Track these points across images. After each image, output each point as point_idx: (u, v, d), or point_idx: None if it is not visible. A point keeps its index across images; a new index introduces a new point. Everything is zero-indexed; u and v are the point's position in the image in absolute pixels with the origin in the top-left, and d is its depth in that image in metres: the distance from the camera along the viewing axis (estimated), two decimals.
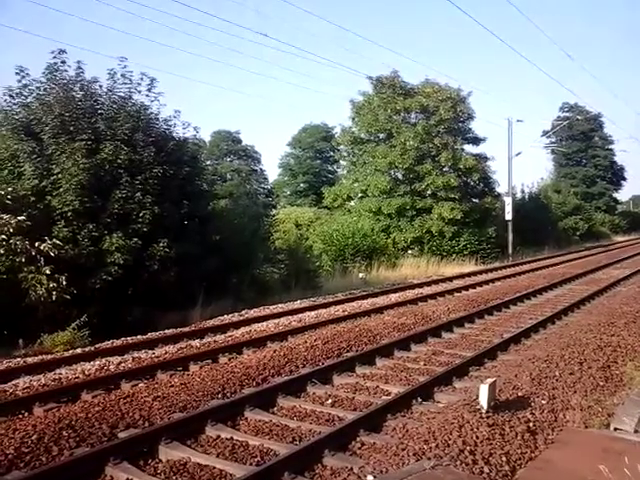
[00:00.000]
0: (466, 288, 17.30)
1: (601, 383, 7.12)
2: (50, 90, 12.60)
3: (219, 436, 5.65)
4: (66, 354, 9.24)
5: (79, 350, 9.53)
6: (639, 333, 9.96)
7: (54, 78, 12.62)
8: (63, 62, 12.67)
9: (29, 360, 8.85)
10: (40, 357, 9.11)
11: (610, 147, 57.67)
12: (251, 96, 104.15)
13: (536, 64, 29.92)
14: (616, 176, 59.69)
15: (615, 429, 5.58)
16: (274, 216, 20.96)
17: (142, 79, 13.42)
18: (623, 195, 72.55)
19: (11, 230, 10.29)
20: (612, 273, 20.97)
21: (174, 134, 14.34)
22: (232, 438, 5.60)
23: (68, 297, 10.57)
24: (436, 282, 19.32)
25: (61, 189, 11.27)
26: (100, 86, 13.14)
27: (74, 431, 5.57)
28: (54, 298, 10.36)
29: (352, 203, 30.06)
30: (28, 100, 12.68)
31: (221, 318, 12.55)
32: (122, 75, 13.12)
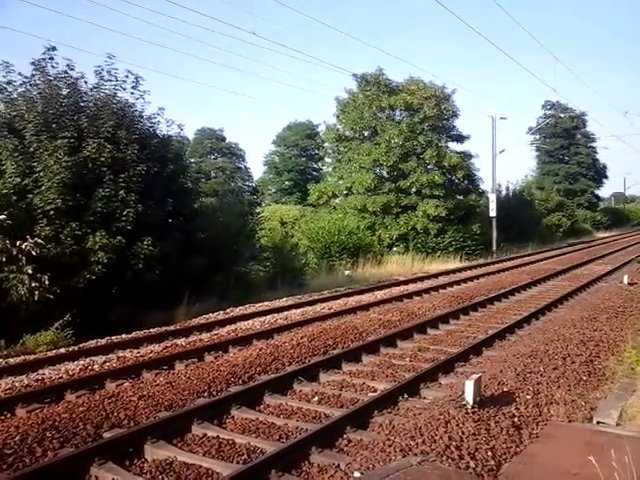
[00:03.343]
0: (451, 285, 17.40)
1: (584, 377, 7.21)
2: (35, 86, 12.46)
3: (205, 435, 5.63)
4: (49, 354, 9.12)
5: (62, 350, 9.42)
6: (621, 328, 10.10)
7: (40, 74, 12.47)
8: (51, 58, 12.54)
9: (11, 361, 8.73)
10: (22, 357, 8.99)
11: (592, 145, 58.38)
12: (236, 94, 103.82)
13: (520, 62, 30.23)
14: (598, 173, 60.39)
15: (598, 422, 5.65)
16: (259, 214, 20.90)
17: (127, 77, 13.33)
18: (604, 192, 73.57)
19: None
20: (594, 269, 21.24)
21: (158, 132, 14.25)
22: (218, 437, 5.58)
23: (51, 296, 10.44)
24: (421, 279, 19.41)
25: (43, 187, 11.13)
26: (85, 82, 13.03)
27: (58, 432, 5.51)
28: (36, 298, 10.23)
29: (337, 200, 30.07)
30: (13, 96, 12.52)
31: (206, 316, 12.49)
32: (108, 72, 13.02)
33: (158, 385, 7.03)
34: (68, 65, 12.66)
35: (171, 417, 5.89)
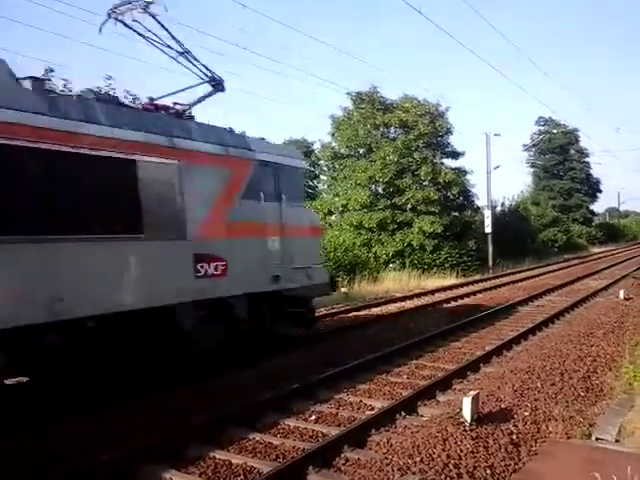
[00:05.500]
0: (447, 301, 17.38)
1: (582, 393, 7.19)
2: None
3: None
4: None
5: None
6: (618, 343, 10.10)
7: None
8: (48, 80, 12.64)
9: None
10: None
11: (586, 160, 58.87)
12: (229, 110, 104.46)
13: (513, 79, 30.58)
14: (592, 188, 60.84)
15: (597, 439, 5.63)
16: None
17: (125, 97, 13.46)
18: (599, 207, 73.98)
19: None
20: (590, 284, 21.26)
21: None
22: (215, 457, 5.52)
23: None
24: (418, 295, 19.37)
25: None
26: None
27: None
28: None
29: (333, 217, 30.12)
30: None
31: None
32: (106, 93, 13.13)
33: None
34: (65, 85, 12.78)
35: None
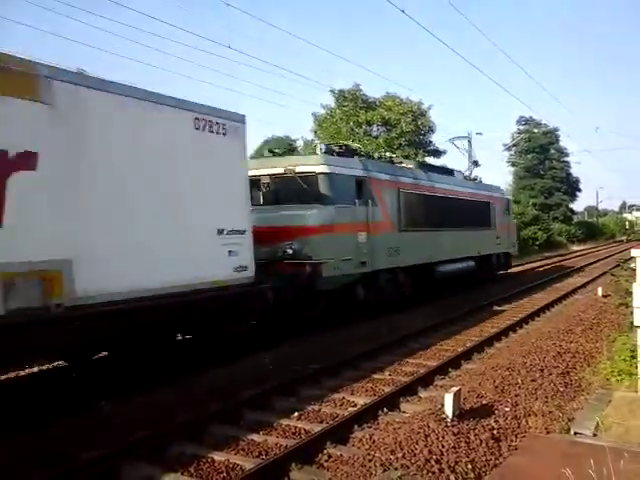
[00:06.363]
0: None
1: (561, 389, 7.30)
2: None
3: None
4: None
5: None
6: (596, 339, 10.26)
7: None
8: None
9: None
10: None
11: (565, 159, 59.55)
12: None
13: (493, 78, 30.82)
14: (572, 187, 61.55)
15: (575, 433, 5.72)
16: None
17: None
18: (578, 206, 74.95)
19: None
20: (569, 281, 21.55)
21: None
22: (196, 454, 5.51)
23: None
24: None
25: None
26: None
27: None
28: None
29: None
30: None
31: None
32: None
33: None
34: None
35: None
